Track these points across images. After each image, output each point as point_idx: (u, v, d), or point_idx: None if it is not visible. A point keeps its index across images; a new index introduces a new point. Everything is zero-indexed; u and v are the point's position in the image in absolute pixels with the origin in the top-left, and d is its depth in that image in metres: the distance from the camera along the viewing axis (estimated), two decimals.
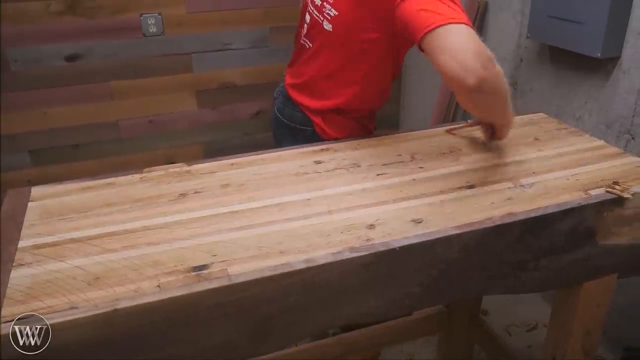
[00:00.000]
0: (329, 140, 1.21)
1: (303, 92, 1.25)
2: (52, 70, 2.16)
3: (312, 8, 1.19)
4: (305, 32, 1.23)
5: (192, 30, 2.30)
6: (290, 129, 1.28)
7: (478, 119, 1.17)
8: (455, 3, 0.94)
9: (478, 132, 1.23)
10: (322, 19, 1.15)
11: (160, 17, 2.23)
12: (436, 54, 0.89)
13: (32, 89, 2.16)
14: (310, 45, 1.21)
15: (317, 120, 1.23)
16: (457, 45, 0.87)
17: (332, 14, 1.12)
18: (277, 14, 2.38)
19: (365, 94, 1.20)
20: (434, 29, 0.88)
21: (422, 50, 0.94)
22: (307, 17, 1.22)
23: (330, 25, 1.13)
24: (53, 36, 2.11)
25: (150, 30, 2.24)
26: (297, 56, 1.28)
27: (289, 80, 1.31)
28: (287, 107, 1.29)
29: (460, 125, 1.24)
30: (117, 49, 2.22)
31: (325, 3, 1.14)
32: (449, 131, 1.22)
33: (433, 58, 0.90)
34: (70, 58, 2.17)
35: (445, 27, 0.88)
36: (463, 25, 0.88)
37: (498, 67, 0.91)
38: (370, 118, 1.28)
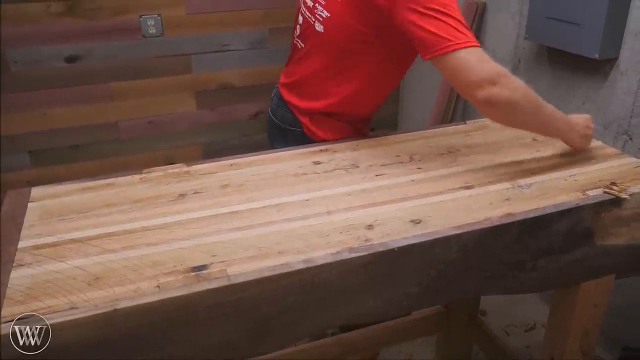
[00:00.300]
0: (319, 141, 1.21)
1: (293, 92, 1.25)
2: (52, 71, 2.16)
3: (304, 9, 1.19)
4: (298, 33, 1.23)
5: (191, 31, 2.30)
6: (281, 129, 1.28)
7: None
8: (455, 18, 0.96)
9: (475, 134, 1.24)
10: (313, 20, 1.15)
11: (159, 18, 2.24)
12: (447, 77, 0.99)
13: (32, 90, 2.16)
14: (303, 45, 1.21)
15: (304, 120, 1.22)
16: (465, 70, 0.94)
17: (324, 16, 1.12)
18: (276, 16, 2.39)
19: (356, 98, 1.19)
20: (440, 55, 0.95)
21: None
22: (300, 18, 1.22)
23: (322, 27, 1.13)
24: (53, 37, 2.12)
25: (150, 32, 2.24)
26: (291, 56, 1.29)
27: (282, 79, 1.31)
28: (279, 108, 1.29)
29: None
30: (116, 50, 2.23)
31: (317, 4, 1.14)
32: None
33: (445, 79, 1.02)
34: (70, 59, 2.18)
35: (450, 54, 0.94)
36: (467, 49, 0.94)
37: (516, 82, 0.95)
38: (363, 122, 1.28)
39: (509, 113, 0.98)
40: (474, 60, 0.94)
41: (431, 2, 0.95)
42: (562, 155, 1.12)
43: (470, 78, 0.93)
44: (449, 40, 0.94)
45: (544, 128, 1.07)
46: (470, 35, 0.96)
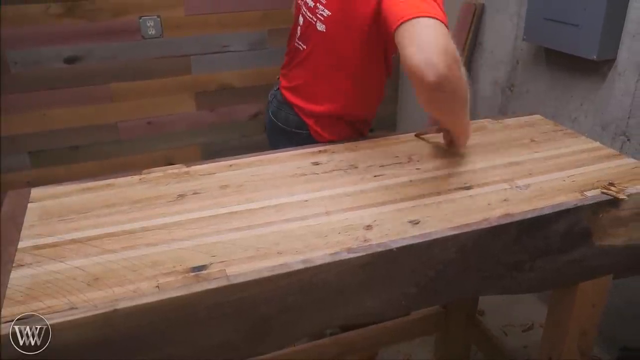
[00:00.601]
0: (325, 142, 1.22)
1: (297, 95, 1.26)
2: (51, 73, 2.17)
3: (305, 10, 1.19)
4: (299, 34, 1.23)
5: (190, 32, 2.30)
6: (286, 132, 1.28)
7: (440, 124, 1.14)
8: (435, 0, 0.92)
9: (473, 135, 1.24)
10: (315, 20, 1.16)
11: (159, 19, 2.24)
12: (403, 46, 0.86)
13: (32, 91, 2.16)
14: (304, 47, 1.21)
15: (310, 122, 1.23)
16: (425, 38, 0.84)
17: (325, 15, 1.13)
18: (275, 17, 2.39)
19: (358, 97, 1.20)
20: (406, 21, 0.86)
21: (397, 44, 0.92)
22: (301, 19, 1.22)
23: (324, 26, 1.14)
24: (52, 38, 2.12)
25: (149, 33, 2.24)
26: (291, 59, 1.29)
27: (284, 83, 1.31)
28: (281, 111, 1.29)
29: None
30: (116, 51, 2.23)
31: (318, 4, 1.14)
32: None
33: (400, 50, 0.87)
34: (70, 60, 2.18)
35: (417, 19, 0.85)
36: (435, 20, 0.86)
37: (462, 72, 0.89)
38: (364, 123, 1.28)
39: (450, 101, 0.90)
40: (439, 35, 0.84)
41: None
42: (560, 155, 1.12)
43: (429, 52, 0.82)
44: (416, 6, 0.87)
45: (461, 122, 1.03)
46: (440, 11, 0.89)
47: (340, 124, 1.23)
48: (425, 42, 0.84)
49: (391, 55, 1.19)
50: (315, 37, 1.17)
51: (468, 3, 2.07)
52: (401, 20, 0.87)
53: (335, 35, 1.13)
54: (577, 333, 1.06)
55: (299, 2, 1.23)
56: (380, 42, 1.12)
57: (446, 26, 0.88)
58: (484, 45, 2.06)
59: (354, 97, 1.20)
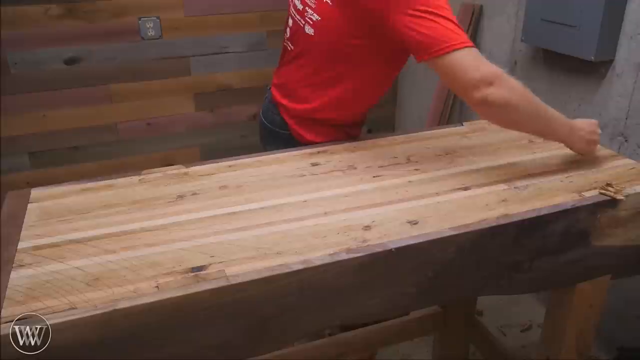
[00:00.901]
0: (305, 143, 1.21)
1: (282, 94, 1.25)
2: (51, 74, 2.17)
3: (294, 12, 1.19)
4: (288, 35, 1.23)
5: (190, 33, 2.31)
6: (271, 131, 1.28)
7: None
8: (449, 19, 0.96)
9: (472, 135, 1.24)
10: (303, 23, 1.15)
11: (158, 20, 2.24)
12: (443, 78, 1.01)
13: (32, 92, 2.17)
14: (292, 48, 1.21)
15: (291, 122, 1.22)
16: (463, 67, 0.94)
17: (314, 19, 1.12)
18: (274, 18, 2.39)
19: (347, 101, 1.19)
20: (438, 56, 0.95)
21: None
22: (290, 21, 1.22)
23: (312, 30, 1.13)
24: (52, 39, 2.12)
25: (149, 34, 2.25)
26: (282, 57, 1.29)
27: (274, 80, 1.31)
28: (269, 110, 1.29)
29: None
30: (115, 52, 2.23)
31: (307, 7, 1.14)
32: None
33: (442, 80, 1.02)
34: (70, 61, 2.18)
35: (448, 55, 0.94)
36: (464, 50, 0.94)
37: (512, 83, 0.96)
38: (351, 126, 1.27)
39: (505, 113, 0.97)
40: (470, 61, 0.95)
41: (423, 4, 0.95)
42: (558, 157, 1.12)
43: (467, 79, 0.94)
44: (444, 41, 0.94)
45: (543, 130, 1.06)
46: (464, 35, 0.96)
47: (325, 126, 1.22)
48: (462, 75, 0.95)
49: (397, 67, 1.20)
50: (303, 39, 1.16)
51: (466, 4, 2.08)
52: (431, 56, 0.96)
53: (323, 40, 1.12)
54: (575, 333, 1.06)
55: (290, 2, 1.23)
56: (376, 51, 1.11)
57: (472, 46, 0.96)
58: (482, 46, 2.06)
59: (340, 101, 1.18)
